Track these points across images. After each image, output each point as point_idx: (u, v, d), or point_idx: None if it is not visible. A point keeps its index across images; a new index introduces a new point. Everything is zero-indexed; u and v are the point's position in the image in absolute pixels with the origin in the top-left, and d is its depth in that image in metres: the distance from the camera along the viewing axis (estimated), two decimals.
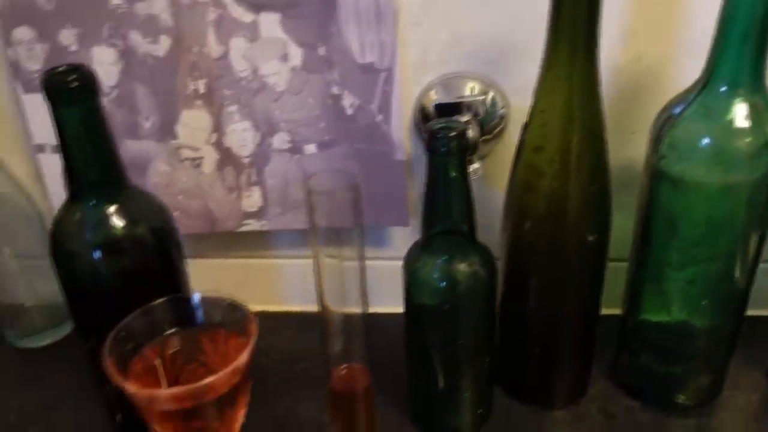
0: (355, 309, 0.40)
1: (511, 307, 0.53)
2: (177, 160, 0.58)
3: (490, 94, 0.54)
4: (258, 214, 0.60)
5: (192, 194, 0.60)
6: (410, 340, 0.51)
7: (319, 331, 0.64)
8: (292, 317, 0.67)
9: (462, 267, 0.47)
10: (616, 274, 0.53)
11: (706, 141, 0.45)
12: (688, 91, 0.46)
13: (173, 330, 0.42)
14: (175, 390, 0.38)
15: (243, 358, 0.38)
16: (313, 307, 0.68)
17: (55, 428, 0.57)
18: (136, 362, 0.40)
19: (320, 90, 0.55)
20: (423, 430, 0.54)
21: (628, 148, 0.54)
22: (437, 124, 0.44)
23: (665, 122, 0.46)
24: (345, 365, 0.42)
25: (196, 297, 0.42)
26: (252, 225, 0.61)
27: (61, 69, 0.40)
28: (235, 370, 0.38)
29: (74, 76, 0.40)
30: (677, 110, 0.46)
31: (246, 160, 0.58)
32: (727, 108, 0.44)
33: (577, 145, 0.45)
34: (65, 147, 0.42)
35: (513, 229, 0.50)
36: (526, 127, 0.47)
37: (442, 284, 0.47)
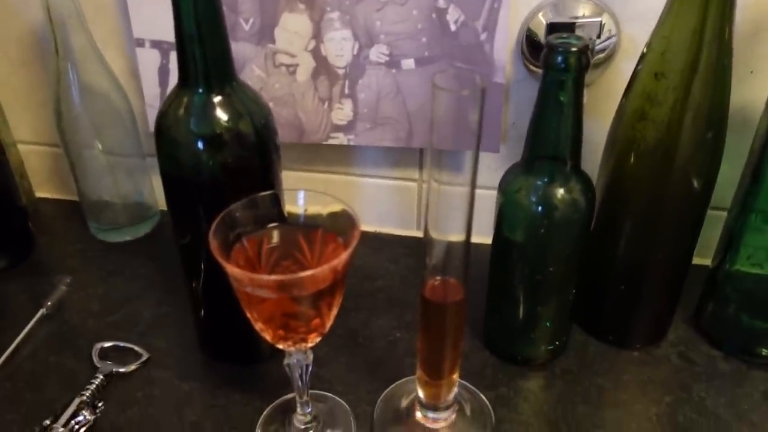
0: (458, 232, 0.40)
1: (601, 241, 0.51)
2: (272, 65, 0.58)
3: (603, 18, 0.52)
4: (346, 128, 0.60)
5: (283, 102, 0.59)
6: (496, 265, 0.51)
7: (407, 251, 0.65)
8: (367, 237, 0.67)
9: (561, 193, 0.46)
10: (707, 222, 0.51)
11: None
12: None
13: (273, 225, 0.42)
14: (276, 277, 0.39)
15: (344, 256, 0.38)
16: (388, 229, 0.69)
17: (136, 319, 0.58)
18: (236, 251, 0.41)
19: (426, 2, 0.53)
20: (496, 356, 0.54)
21: (744, 87, 0.51)
22: (557, 38, 0.42)
23: None
24: (439, 277, 0.42)
25: (301, 194, 0.42)
26: (339, 139, 0.60)
27: None
28: (335, 267, 0.38)
29: None
30: None
31: (341, 71, 0.57)
32: None
33: (702, 75, 0.43)
34: (180, 30, 0.41)
35: (617, 162, 0.48)
36: (644, 53, 0.45)
37: (538, 208, 0.46)
